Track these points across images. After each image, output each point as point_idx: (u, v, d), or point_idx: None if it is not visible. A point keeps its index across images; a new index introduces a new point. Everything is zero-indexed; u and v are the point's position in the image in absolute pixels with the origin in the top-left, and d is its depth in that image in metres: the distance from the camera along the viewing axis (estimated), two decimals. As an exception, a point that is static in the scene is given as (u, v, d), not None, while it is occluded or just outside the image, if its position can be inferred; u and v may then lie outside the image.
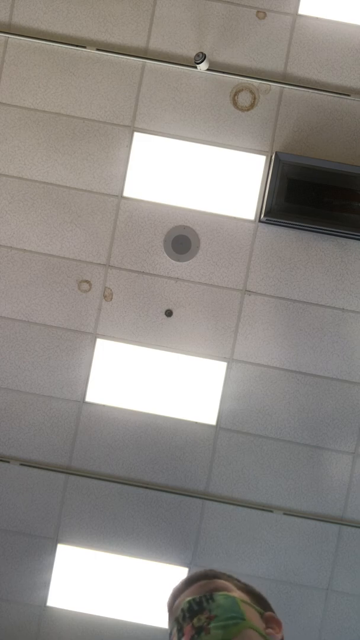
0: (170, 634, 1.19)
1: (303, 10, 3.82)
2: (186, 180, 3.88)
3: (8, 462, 3.94)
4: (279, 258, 3.89)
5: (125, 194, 3.88)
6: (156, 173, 3.88)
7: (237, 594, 1.21)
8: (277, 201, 3.72)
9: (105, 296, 3.90)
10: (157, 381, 3.92)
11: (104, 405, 3.93)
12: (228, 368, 3.89)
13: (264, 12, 3.82)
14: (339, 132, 3.85)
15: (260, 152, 3.85)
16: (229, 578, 1.27)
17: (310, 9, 3.82)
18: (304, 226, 3.78)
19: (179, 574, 3.89)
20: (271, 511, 3.90)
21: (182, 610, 1.16)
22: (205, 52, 3.72)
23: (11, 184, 3.89)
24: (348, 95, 3.83)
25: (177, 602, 1.24)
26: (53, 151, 3.88)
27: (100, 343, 3.92)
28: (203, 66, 3.73)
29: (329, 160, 3.76)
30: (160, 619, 3.89)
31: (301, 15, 3.82)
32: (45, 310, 3.91)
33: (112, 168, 3.88)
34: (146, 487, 3.92)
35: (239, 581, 1.28)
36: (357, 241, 3.86)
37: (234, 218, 3.87)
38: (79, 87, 3.87)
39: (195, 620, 1.13)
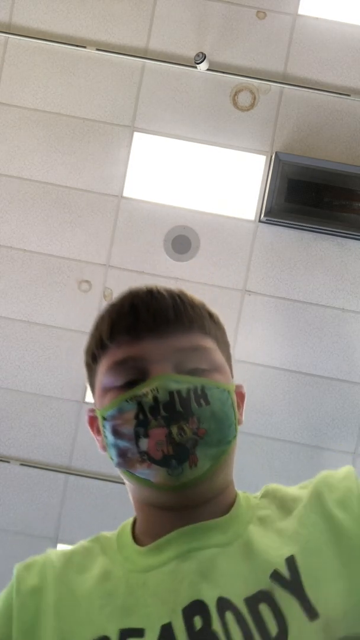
0: (120, 410, 0.82)
1: (303, 10, 3.82)
2: (186, 180, 3.88)
3: (8, 462, 3.94)
4: (279, 258, 3.89)
5: (125, 194, 3.88)
6: (156, 173, 3.88)
7: (229, 377, 0.92)
8: (277, 201, 3.72)
9: (105, 296, 3.90)
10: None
11: (104, 405, 3.93)
12: (228, 368, 3.89)
13: (264, 12, 3.81)
14: (339, 132, 3.85)
15: (260, 152, 3.85)
16: (211, 321, 0.94)
17: (310, 9, 3.82)
18: (304, 226, 3.79)
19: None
20: (271, 511, 3.90)
21: (157, 399, 0.80)
22: (205, 52, 3.72)
23: (11, 184, 3.89)
24: (348, 95, 3.82)
25: (133, 349, 0.84)
26: (53, 151, 3.88)
27: (100, 343, 3.91)
28: (203, 66, 3.74)
29: (329, 160, 3.76)
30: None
31: (301, 15, 3.82)
32: (45, 310, 3.91)
33: (112, 168, 3.88)
34: (146, 487, 3.92)
35: (217, 324, 0.94)
36: (357, 241, 3.86)
37: (234, 218, 3.87)
38: (79, 87, 3.87)
39: (174, 429, 0.79)
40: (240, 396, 0.95)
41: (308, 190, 3.73)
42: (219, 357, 0.90)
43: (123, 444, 0.83)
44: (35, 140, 3.88)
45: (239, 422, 0.90)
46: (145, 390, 0.81)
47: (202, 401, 0.81)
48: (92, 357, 0.95)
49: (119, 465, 0.86)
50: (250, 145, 3.85)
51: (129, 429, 0.81)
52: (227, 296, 3.88)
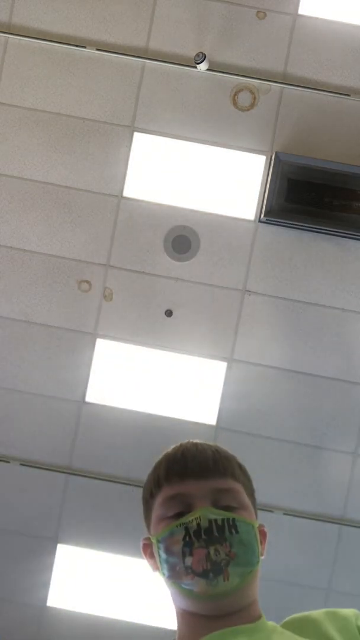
0: (171, 533, 1.09)
1: (303, 10, 3.82)
2: (186, 180, 3.88)
3: (8, 462, 3.94)
4: (279, 258, 3.89)
5: (125, 194, 3.88)
6: (156, 173, 3.88)
7: (253, 516, 1.16)
8: (277, 201, 3.72)
9: (105, 296, 3.90)
10: (157, 381, 3.92)
11: (104, 405, 3.93)
12: (228, 368, 3.89)
13: (264, 12, 3.81)
14: (339, 132, 3.85)
15: (260, 152, 3.85)
16: (240, 471, 1.20)
17: (310, 9, 3.82)
18: (304, 226, 3.79)
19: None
20: (271, 511, 3.90)
21: (199, 525, 1.08)
22: (205, 52, 3.72)
23: (11, 184, 3.89)
24: (348, 95, 3.83)
25: (182, 488, 1.13)
26: (53, 151, 3.88)
27: (100, 343, 3.92)
28: (203, 66, 3.74)
29: (329, 160, 3.76)
30: (161, 620, 3.89)
31: (301, 15, 3.82)
32: (45, 310, 3.91)
33: (112, 168, 3.88)
34: (146, 487, 3.92)
35: (244, 474, 1.22)
36: (357, 241, 3.86)
37: (234, 218, 3.87)
38: (79, 87, 3.87)
39: (212, 550, 1.06)
40: (263, 534, 1.16)
41: (308, 190, 3.73)
42: (245, 498, 1.16)
43: (173, 559, 1.08)
44: (35, 140, 3.88)
45: (262, 554, 1.12)
46: (191, 518, 1.08)
47: (233, 530, 1.08)
48: (150, 494, 1.19)
49: (169, 577, 1.09)
50: (250, 145, 3.85)
51: (178, 548, 1.07)
52: (227, 296, 3.88)
